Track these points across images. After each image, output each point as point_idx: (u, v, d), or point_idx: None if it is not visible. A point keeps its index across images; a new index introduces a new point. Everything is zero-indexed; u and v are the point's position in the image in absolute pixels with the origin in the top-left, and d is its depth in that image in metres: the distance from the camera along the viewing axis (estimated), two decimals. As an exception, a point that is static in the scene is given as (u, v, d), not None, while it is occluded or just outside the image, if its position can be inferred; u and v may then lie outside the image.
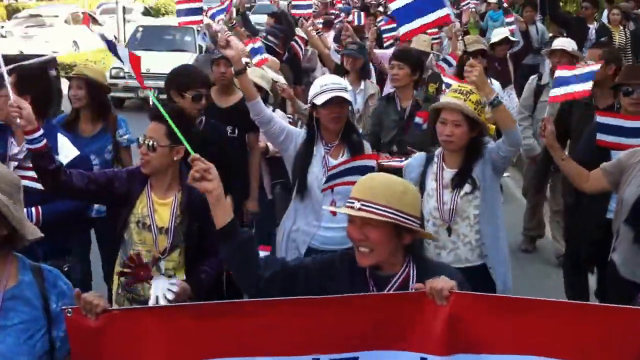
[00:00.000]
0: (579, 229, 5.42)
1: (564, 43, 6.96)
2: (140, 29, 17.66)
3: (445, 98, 4.06)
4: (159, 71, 12.66)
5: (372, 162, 4.21)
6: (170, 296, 3.48)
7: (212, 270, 3.78)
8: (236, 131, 5.55)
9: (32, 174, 3.96)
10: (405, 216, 2.67)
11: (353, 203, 2.68)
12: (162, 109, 3.08)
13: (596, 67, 4.78)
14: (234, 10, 10.42)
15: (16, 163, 4.04)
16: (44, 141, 3.52)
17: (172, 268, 3.66)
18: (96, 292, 2.61)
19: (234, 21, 9.19)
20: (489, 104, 3.88)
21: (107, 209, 4.06)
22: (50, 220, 3.95)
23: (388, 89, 7.04)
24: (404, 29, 4.54)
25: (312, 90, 4.32)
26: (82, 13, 26.61)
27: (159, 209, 3.70)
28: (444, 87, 5.93)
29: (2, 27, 24.12)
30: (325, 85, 4.27)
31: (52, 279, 2.72)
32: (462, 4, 15.69)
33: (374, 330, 2.55)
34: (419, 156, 4.28)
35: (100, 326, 2.50)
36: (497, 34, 8.97)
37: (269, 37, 7.94)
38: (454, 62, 7.36)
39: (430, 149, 5.27)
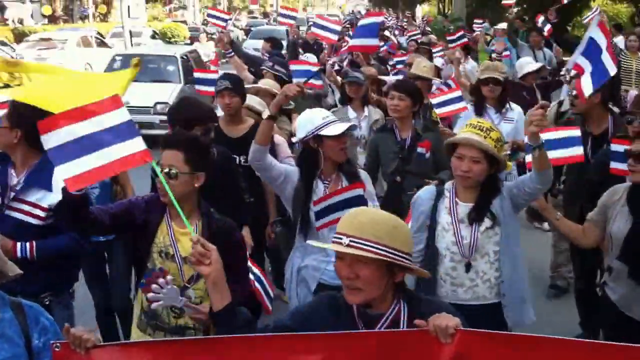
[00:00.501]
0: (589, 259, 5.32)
1: (532, 66, 7.12)
2: (118, 58, 16.16)
3: (464, 133, 3.88)
4: (140, 104, 12.06)
5: (360, 191, 4.10)
6: (180, 304, 3.27)
7: (242, 292, 3.62)
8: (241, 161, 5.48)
9: (28, 208, 3.97)
10: (398, 253, 2.53)
11: (341, 239, 2.53)
12: (159, 173, 3.12)
13: (577, 132, 4.82)
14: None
15: (13, 194, 3.97)
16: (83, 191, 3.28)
17: (200, 296, 3.57)
18: (86, 327, 2.55)
19: (229, 50, 9.15)
20: (536, 148, 3.76)
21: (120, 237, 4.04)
22: (43, 256, 3.89)
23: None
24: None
25: (310, 124, 4.23)
26: (95, 37, 26.94)
27: (181, 238, 3.57)
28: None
29: (14, 50, 24.37)
30: (326, 117, 4.26)
31: (34, 315, 2.68)
32: (476, 28, 15.99)
33: None
34: (428, 190, 4.17)
35: None
36: (529, 64, 8.78)
37: (276, 67, 7.84)
38: (453, 85, 7.29)
39: (434, 178, 5.25)
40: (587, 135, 5.39)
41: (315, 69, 7.60)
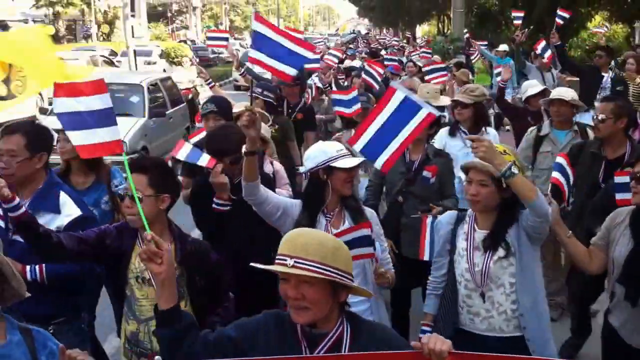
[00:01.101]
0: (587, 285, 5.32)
1: (562, 92, 6.63)
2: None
3: (474, 157, 3.84)
4: None
5: (367, 231, 3.90)
6: None
7: (224, 320, 3.62)
8: None
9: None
10: (341, 273, 2.56)
11: (285, 260, 2.53)
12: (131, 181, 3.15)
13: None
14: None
15: None
16: (22, 210, 3.44)
17: None
18: (81, 351, 2.58)
19: (242, 70, 9.36)
20: (501, 176, 3.63)
21: (105, 267, 3.90)
22: (53, 279, 3.86)
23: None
24: (380, 161, 4.24)
25: (323, 154, 4.07)
26: (101, 56, 27.34)
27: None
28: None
29: (26, 70, 24.65)
30: (340, 150, 4.11)
31: (42, 339, 2.71)
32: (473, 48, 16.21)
33: None
34: (449, 214, 4.13)
35: None
36: (531, 87, 8.17)
37: (265, 93, 7.60)
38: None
39: (438, 204, 5.18)
40: (601, 159, 5.41)
41: (353, 94, 7.54)
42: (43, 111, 13.17)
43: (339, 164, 4.01)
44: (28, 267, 3.84)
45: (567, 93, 6.58)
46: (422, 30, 51.39)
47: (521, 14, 13.85)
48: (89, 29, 51.08)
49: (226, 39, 10.62)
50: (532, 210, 3.67)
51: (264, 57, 4.24)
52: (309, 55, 4.69)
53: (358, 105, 7.36)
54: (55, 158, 4.47)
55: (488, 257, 3.80)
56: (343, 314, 2.67)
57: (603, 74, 10.53)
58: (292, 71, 4.28)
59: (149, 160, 3.73)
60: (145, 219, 2.94)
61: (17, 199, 3.48)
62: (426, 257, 4.73)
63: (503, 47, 16.25)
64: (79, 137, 3.17)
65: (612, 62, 11.33)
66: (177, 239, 3.68)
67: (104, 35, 50.85)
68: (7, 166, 3.95)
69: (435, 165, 5.45)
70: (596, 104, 7.65)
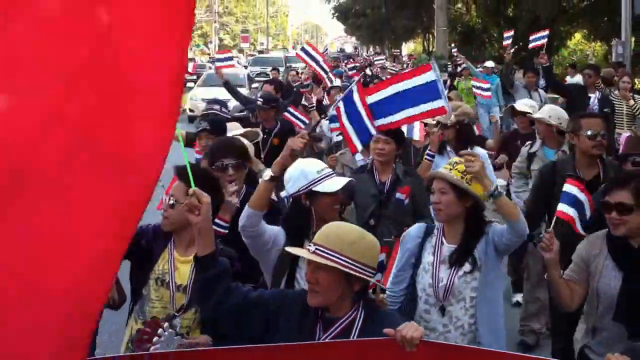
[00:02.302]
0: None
1: (542, 112, 6.49)
2: None
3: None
4: None
5: (382, 256, 3.71)
6: (175, 344, 3.28)
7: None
8: None
9: None
10: (355, 264, 2.73)
11: (310, 247, 2.80)
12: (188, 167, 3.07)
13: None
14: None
15: None
16: None
17: (186, 326, 3.52)
18: None
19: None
20: (489, 196, 3.67)
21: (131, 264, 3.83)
22: None
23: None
24: (383, 121, 4.33)
25: (303, 178, 3.74)
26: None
27: (180, 266, 3.60)
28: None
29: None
30: (321, 170, 3.80)
31: None
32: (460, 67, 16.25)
33: None
34: (417, 227, 4.02)
35: None
36: (521, 105, 7.53)
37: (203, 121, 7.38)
38: None
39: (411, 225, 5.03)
40: (581, 181, 4.87)
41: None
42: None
43: (322, 187, 3.71)
44: None
45: (551, 112, 6.38)
46: (408, 48, 51.84)
47: (510, 33, 13.75)
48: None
49: (231, 59, 10.83)
50: (513, 229, 3.65)
51: (395, 116, 4.46)
52: (373, 131, 4.88)
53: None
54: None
55: (453, 272, 3.72)
56: (360, 302, 2.84)
57: (590, 94, 10.26)
58: (436, 103, 4.30)
59: (194, 170, 3.66)
60: (175, 225, 3.48)
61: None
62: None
63: (489, 63, 16.07)
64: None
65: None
66: None
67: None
68: None
69: (408, 185, 5.28)
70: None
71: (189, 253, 3.58)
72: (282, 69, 27.19)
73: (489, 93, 11.31)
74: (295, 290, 3.07)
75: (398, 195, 5.23)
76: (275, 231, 3.80)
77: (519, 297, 6.94)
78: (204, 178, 3.57)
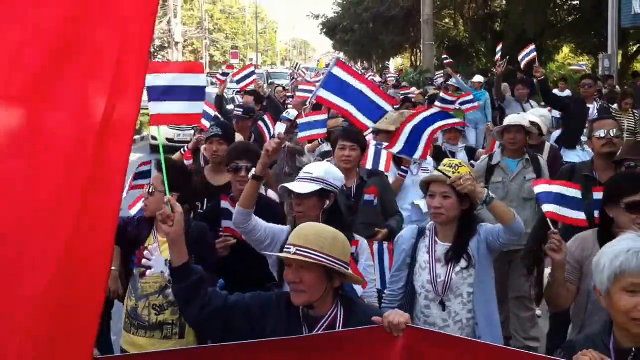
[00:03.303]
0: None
1: (518, 119, 6.32)
2: None
3: (435, 171, 4.05)
4: None
5: (354, 249, 3.80)
6: (166, 270, 3.75)
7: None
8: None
9: None
10: (336, 260, 2.87)
11: (290, 248, 2.87)
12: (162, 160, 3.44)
13: (577, 192, 3.98)
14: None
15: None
16: None
17: None
18: None
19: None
20: (482, 204, 3.80)
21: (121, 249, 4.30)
22: None
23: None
24: (328, 96, 4.35)
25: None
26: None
27: (163, 246, 3.92)
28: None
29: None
30: (305, 172, 3.95)
31: None
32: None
33: None
34: (410, 229, 4.11)
35: None
36: (510, 120, 6.52)
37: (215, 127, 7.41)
38: None
39: (384, 227, 5.05)
40: (595, 182, 4.99)
41: (324, 117, 7.01)
42: None
43: (290, 186, 3.88)
44: None
45: (524, 120, 6.35)
46: (396, 62, 51.81)
47: (500, 47, 13.49)
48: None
49: (253, 73, 10.74)
50: (509, 229, 3.77)
51: (338, 99, 4.20)
52: (387, 107, 4.61)
53: (322, 130, 6.89)
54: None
55: (450, 269, 3.83)
56: (338, 299, 2.96)
57: (588, 105, 9.97)
58: (367, 121, 4.34)
59: (169, 162, 3.97)
60: (153, 212, 3.75)
61: None
62: (378, 286, 4.34)
63: (478, 78, 15.86)
64: (159, 107, 3.49)
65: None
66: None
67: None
68: None
69: (374, 185, 5.28)
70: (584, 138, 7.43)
71: None
72: (265, 86, 26.82)
73: (475, 104, 10.93)
74: (273, 293, 3.15)
75: (367, 197, 5.23)
76: (276, 229, 3.95)
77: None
78: (178, 170, 4.10)
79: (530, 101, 11.50)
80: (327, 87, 4.34)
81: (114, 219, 2.19)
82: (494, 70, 12.72)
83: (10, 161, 2.04)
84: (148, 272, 3.83)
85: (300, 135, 7.24)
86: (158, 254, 3.85)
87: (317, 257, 2.84)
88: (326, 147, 7.40)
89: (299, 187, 3.82)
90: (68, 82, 2.09)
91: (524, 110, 10.36)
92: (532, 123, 6.66)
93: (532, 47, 11.14)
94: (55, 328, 2.09)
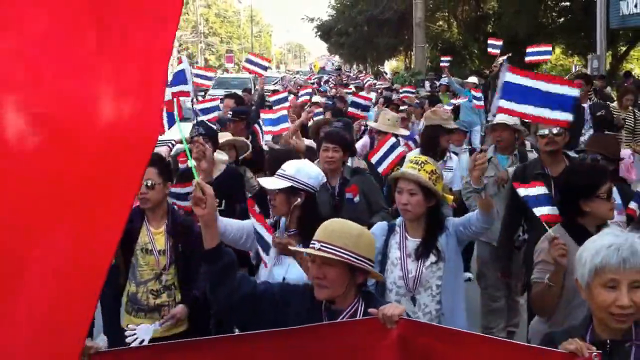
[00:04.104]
0: None
1: (503, 117, 6.20)
2: None
3: (402, 168, 4.10)
4: None
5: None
6: (157, 327, 4.16)
7: (199, 291, 4.19)
8: (223, 204, 5.35)
9: None
10: (360, 258, 2.89)
11: (314, 244, 2.90)
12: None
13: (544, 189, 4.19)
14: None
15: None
16: None
17: (171, 280, 4.40)
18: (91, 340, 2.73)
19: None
20: (476, 192, 3.97)
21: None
22: None
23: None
24: (511, 106, 4.08)
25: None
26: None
27: (156, 236, 4.40)
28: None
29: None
30: (281, 169, 4.05)
31: None
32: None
33: (335, 356, 2.74)
34: (380, 226, 4.19)
35: None
36: (496, 118, 6.85)
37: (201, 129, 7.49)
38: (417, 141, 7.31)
39: (368, 222, 4.92)
40: (547, 177, 5.12)
41: (284, 112, 7.34)
42: None
43: (261, 180, 4.17)
44: None
45: (509, 118, 6.31)
46: (390, 65, 52.11)
47: (498, 43, 13.31)
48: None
49: (265, 68, 10.08)
50: (484, 218, 3.94)
51: (523, 107, 3.94)
52: (574, 93, 4.57)
53: (285, 125, 7.13)
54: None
55: (421, 264, 3.93)
56: (360, 294, 2.99)
57: (583, 104, 9.75)
58: (564, 115, 3.95)
59: (156, 155, 4.43)
60: (154, 204, 4.32)
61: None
62: None
63: (472, 79, 15.83)
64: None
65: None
66: (170, 217, 4.46)
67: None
68: None
69: (354, 184, 5.44)
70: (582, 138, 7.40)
71: (160, 225, 4.44)
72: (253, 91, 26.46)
73: (481, 102, 11.07)
74: (299, 285, 3.19)
75: (347, 195, 5.39)
76: (247, 225, 4.00)
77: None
78: (166, 165, 4.56)
79: None
80: (506, 96, 4.30)
81: (123, 218, 2.17)
82: (487, 72, 12.72)
83: (21, 157, 2.00)
84: (133, 343, 3.86)
85: (265, 129, 7.39)
86: (140, 327, 4.04)
87: (339, 254, 2.85)
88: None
89: (268, 182, 4.01)
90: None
91: None
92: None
93: (549, 48, 10.86)
94: (48, 320, 2.04)
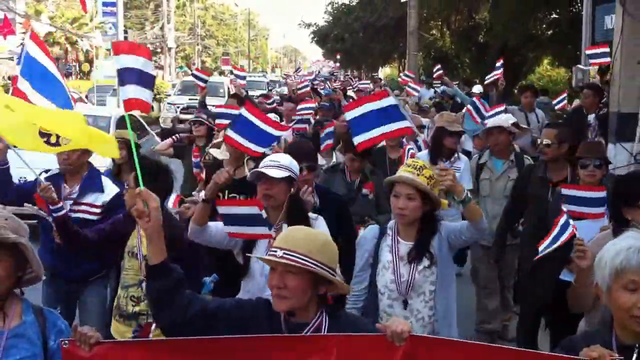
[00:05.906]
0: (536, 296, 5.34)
1: (499, 121, 6.55)
2: None
3: (399, 172, 3.96)
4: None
5: (257, 210, 3.85)
6: None
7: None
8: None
9: (86, 207, 5.08)
10: (324, 267, 2.70)
11: (276, 251, 2.69)
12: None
13: (602, 193, 4.31)
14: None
15: (71, 201, 5.05)
16: (63, 211, 4.40)
17: None
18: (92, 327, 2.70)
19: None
20: (459, 202, 3.84)
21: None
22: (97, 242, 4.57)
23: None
24: (359, 138, 4.39)
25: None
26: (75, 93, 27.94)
27: (144, 240, 3.93)
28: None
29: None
30: (270, 160, 4.12)
31: (53, 319, 2.93)
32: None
33: None
34: (372, 229, 4.18)
35: (93, 356, 2.60)
36: (493, 122, 6.78)
37: (210, 119, 7.99)
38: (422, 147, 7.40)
39: (373, 218, 5.54)
40: (547, 182, 5.55)
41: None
42: None
43: (264, 169, 4.08)
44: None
45: (506, 121, 6.53)
46: (385, 72, 52.66)
47: (501, 62, 12.61)
48: (70, 67, 51.47)
49: (205, 82, 11.40)
50: (476, 227, 3.84)
51: (370, 133, 4.35)
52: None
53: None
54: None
55: (413, 268, 3.84)
56: (322, 307, 2.79)
57: (590, 114, 9.48)
58: (403, 124, 4.31)
59: (145, 161, 4.25)
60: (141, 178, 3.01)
61: (61, 203, 4.44)
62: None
63: (477, 88, 15.41)
64: (129, 91, 3.25)
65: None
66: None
67: (82, 73, 51.13)
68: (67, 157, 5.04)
69: (372, 182, 5.90)
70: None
71: None
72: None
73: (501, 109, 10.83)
74: (254, 300, 2.95)
75: (364, 191, 5.86)
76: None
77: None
78: (151, 168, 4.18)
79: (537, 110, 10.56)
80: (356, 132, 4.54)
81: None
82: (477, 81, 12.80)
83: None
84: None
85: (218, 121, 7.48)
86: None
87: (303, 262, 2.66)
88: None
89: (273, 172, 4.00)
90: None
91: (527, 120, 9.76)
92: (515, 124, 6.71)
93: (606, 49, 10.11)
94: None
